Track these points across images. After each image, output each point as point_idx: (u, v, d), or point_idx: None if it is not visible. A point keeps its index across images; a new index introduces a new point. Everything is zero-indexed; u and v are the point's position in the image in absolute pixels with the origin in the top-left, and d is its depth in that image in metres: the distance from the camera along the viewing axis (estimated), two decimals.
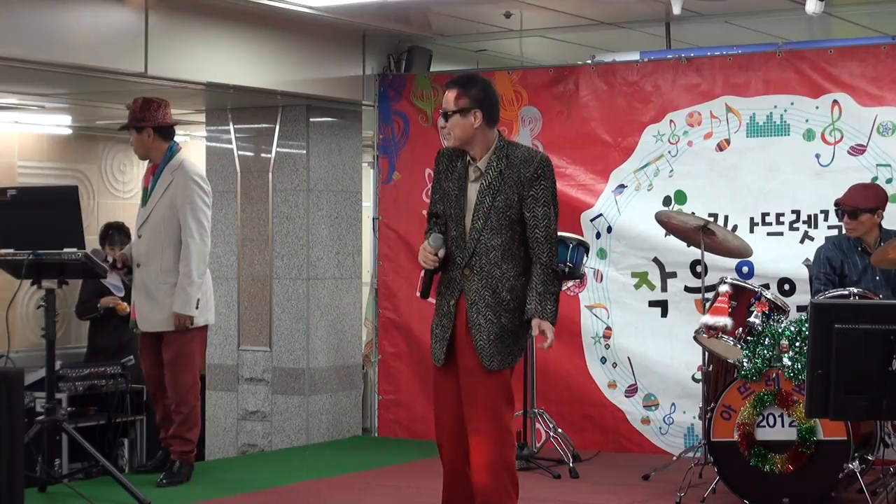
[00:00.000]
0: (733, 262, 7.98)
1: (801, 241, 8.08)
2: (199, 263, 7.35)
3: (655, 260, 8.47)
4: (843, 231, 7.44)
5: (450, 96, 5.69)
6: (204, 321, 7.50)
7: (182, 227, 7.33)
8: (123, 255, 7.57)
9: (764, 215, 8.21)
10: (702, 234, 7.36)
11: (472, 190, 5.67)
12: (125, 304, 9.50)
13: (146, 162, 7.68)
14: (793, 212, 8.14)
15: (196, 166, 7.61)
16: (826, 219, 8.02)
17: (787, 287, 8.03)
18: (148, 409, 9.21)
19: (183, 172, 7.39)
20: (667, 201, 8.43)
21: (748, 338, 6.88)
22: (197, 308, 7.34)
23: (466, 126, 5.65)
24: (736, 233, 7.99)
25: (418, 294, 5.82)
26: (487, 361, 5.58)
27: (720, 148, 8.34)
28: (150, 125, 7.42)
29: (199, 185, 7.41)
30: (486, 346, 5.59)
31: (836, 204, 7.43)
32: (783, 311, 7.03)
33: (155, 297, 7.35)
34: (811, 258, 7.82)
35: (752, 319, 6.93)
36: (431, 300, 5.82)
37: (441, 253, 5.67)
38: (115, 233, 9.98)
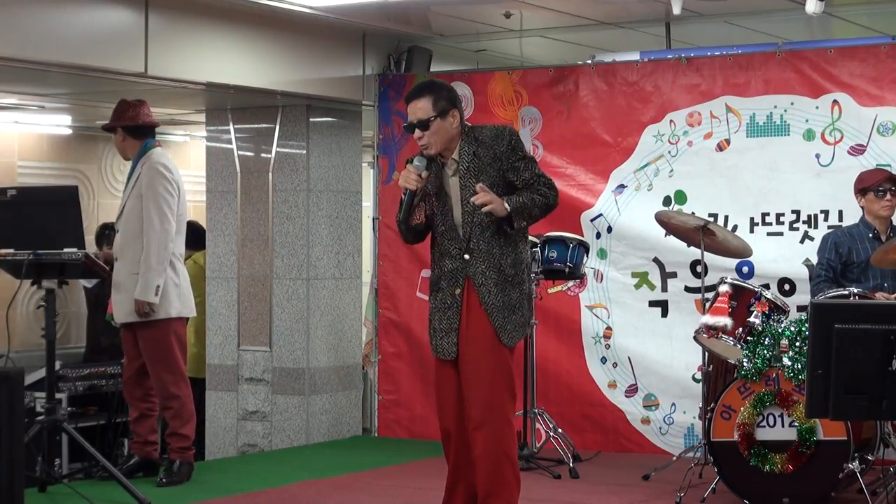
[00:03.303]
0: (733, 262, 7.98)
1: (801, 242, 8.08)
2: (159, 249, 7.23)
3: (655, 260, 8.47)
4: (865, 217, 7.35)
5: (423, 105, 5.66)
6: (177, 313, 7.37)
7: (144, 215, 7.28)
8: (107, 254, 7.53)
9: (764, 215, 8.21)
10: (702, 234, 7.36)
11: (454, 182, 5.72)
12: None
13: None
14: (793, 212, 8.14)
15: (163, 156, 7.50)
16: (826, 219, 8.02)
17: (787, 287, 8.03)
18: None
19: (148, 164, 7.37)
20: (667, 201, 8.44)
21: (748, 338, 6.88)
22: (156, 294, 7.20)
23: (448, 128, 5.69)
24: (736, 233, 7.99)
25: (398, 219, 5.72)
26: (506, 338, 5.64)
27: (720, 148, 8.34)
28: (119, 125, 7.45)
29: (161, 173, 7.33)
30: (503, 324, 5.65)
31: (878, 183, 7.27)
32: (783, 311, 7.03)
33: (127, 289, 7.29)
34: (811, 258, 7.82)
35: (752, 319, 6.93)
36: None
37: (424, 174, 5.67)
38: (111, 233, 9.97)
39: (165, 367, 7.36)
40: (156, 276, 7.20)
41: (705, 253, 7.41)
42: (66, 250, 6.71)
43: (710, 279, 7.42)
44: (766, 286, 7.65)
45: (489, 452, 5.60)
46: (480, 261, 5.66)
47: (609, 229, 8.59)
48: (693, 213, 8.10)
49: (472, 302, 5.68)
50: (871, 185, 7.32)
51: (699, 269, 7.66)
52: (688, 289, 8.34)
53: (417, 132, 5.69)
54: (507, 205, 5.60)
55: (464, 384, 5.68)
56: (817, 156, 8.06)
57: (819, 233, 7.94)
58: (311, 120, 9.31)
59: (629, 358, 8.56)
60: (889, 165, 7.82)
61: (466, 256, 5.68)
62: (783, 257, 8.09)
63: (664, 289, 8.46)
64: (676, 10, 7.90)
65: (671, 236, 7.95)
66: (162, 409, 7.48)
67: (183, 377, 7.45)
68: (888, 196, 7.28)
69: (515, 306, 5.68)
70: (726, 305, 6.99)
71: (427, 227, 5.83)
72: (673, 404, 8.42)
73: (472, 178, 5.66)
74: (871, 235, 7.32)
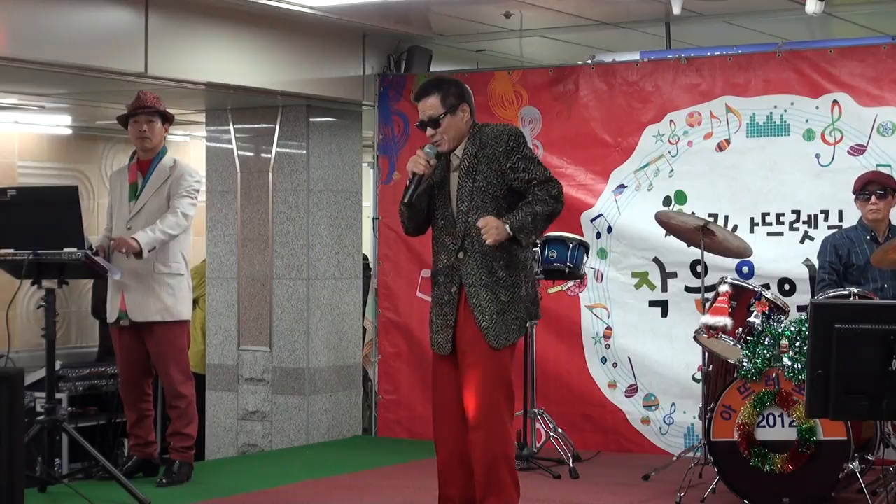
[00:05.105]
0: (733, 262, 7.98)
1: (801, 242, 8.08)
2: (174, 229, 7.21)
3: (655, 260, 8.47)
4: (862, 218, 7.39)
5: (433, 101, 5.70)
6: (188, 315, 7.46)
7: (173, 199, 7.29)
8: (101, 247, 7.47)
9: (764, 215, 8.21)
10: (702, 234, 7.36)
11: (454, 178, 5.75)
12: None
13: (129, 159, 7.60)
14: (793, 212, 8.14)
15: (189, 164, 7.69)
16: (826, 219, 8.02)
17: (787, 287, 8.03)
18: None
19: (181, 167, 7.43)
20: (667, 201, 8.44)
21: (748, 338, 6.88)
22: (147, 253, 7.12)
23: (459, 123, 5.72)
24: (736, 233, 7.99)
25: (403, 203, 5.72)
26: (494, 340, 5.62)
27: (720, 148, 8.34)
28: (167, 112, 7.44)
29: (196, 179, 7.46)
30: (490, 325, 5.64)
31: (862, 186, 7.33)
32: (783, 311, 7.03)
33: (150, 288, 7.30)
34: (811, 258, 7.82)
35: (752, 319, 6.93)
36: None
37: (433, 162, 5.69)
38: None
39: (177, 367, 7.40)
40: (160, 242, 7.19)
41: (705, 253, 7.41)
42: (66, 250, 6.71)
43: (710, 279, 7.42)
44: (766, 286, 7.65)
45: (486, 454, 5.62)
46: (473, 261, 5.68)
47: (609, 229, 8.59)
48: (693, 213, 8.10)
49: (465, 301, 5.70)
50: (856, 188, 7.38)
51: (699, 269, 7.66)
52: (688, 289, 8.34)
53: (430, 130, 5.71)
54: (507, 227, 5.57)
55: (461, 386, 5.69)
56: (817, 156, 8.06)
57: (819, 233, 7.94)
58: (311, 120, 9.30)
59: (629, 358, 8.56)
60: (889, 166, 7.82)
61: (461, 255, 5.71)
62: (783, 257, 8.09)
63: (664, 289, 8.46)
64: (676, 10, 7.90)
65: (671, 236, 7.95)
66: (168, 408, 7.49)
67: (190, 378, 7.50)
68: (873, 199, 7.29)
69: (507, 309, 5.66)
70: (726, 305, 6.98)
71: (427, 219, 5.85)
72: (673, 404, 8.42)
73: (468, 178, 5.68)
74: (868, 237, 7.32)
